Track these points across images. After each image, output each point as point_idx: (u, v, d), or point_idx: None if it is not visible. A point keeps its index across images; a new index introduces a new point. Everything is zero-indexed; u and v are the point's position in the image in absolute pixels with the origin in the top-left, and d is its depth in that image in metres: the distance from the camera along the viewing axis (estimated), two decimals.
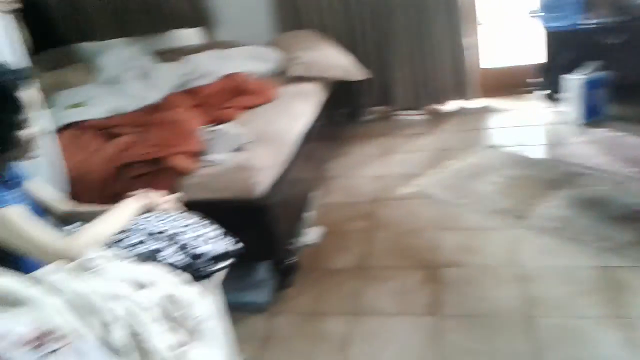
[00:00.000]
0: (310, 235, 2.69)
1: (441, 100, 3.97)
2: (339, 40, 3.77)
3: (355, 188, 3.15)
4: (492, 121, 3.76)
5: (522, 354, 1.84)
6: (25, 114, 1.38)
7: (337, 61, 3.54)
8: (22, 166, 1.57)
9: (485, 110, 3.91)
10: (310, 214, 2.85)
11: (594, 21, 3.34)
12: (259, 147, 2.40)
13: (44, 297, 1.08)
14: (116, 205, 1.57)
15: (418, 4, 3.69)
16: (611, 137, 3.19)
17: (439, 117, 3.94)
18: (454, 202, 2.80)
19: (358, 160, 3.49)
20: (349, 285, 2.33)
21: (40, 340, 1.00)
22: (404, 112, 4.04)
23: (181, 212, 1.68)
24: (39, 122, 1.46)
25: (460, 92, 3.90)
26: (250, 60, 3.54)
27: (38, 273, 1.19)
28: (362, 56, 3.81)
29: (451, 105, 4.00)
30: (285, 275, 2.37)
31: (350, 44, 3.82)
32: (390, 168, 3.31)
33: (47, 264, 1.29)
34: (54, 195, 1.72)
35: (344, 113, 3.99)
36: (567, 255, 2.27)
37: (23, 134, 1.39)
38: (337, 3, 3.82)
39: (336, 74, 3.46)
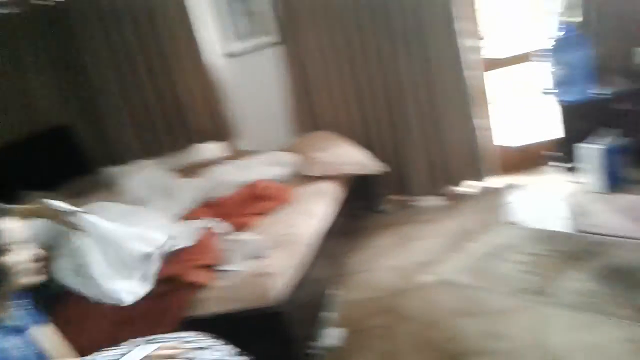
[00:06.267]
0: (331, 337, 2.60)
1: (457, 182, 3.96)
2: (354, 137, 3.88)
3: (374, 281, 3.07)
4: (512, 198, 3.71)
5: None
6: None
7: (351, 158, 3.65)
8: (31, 310, 1.59)
9: (505, 188, 3.86)
10: (330, 314, 2.78)
11: (608, 90, 3.32)
12: (276, 251, 2.45)
13: None
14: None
15: (428, 90, 3.76)
16: (634, 203, 3.12)
17: (458, 200, 3.89)
18: (476, 286, 2.75)
19: (376, 252, 3.41)
20: None
21: None
22: (422, 198, 4.00)
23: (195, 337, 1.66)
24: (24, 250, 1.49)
25: (475, 172, 3.91)
26: (268, 166, 3.67)
27: None
28: (378, 149, 3.90)
29: (469, 187, 3.97)
30: None
31: (365, 139, 3.93)
32: (408, 257, 3.23)
33: None
34: (59, 347, 1.65)
35: (361, 206, 3.97)
36: (597, 331, 2.19)
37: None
38: (351, 101, 3.94)
39: (351, 170, 3.54)
